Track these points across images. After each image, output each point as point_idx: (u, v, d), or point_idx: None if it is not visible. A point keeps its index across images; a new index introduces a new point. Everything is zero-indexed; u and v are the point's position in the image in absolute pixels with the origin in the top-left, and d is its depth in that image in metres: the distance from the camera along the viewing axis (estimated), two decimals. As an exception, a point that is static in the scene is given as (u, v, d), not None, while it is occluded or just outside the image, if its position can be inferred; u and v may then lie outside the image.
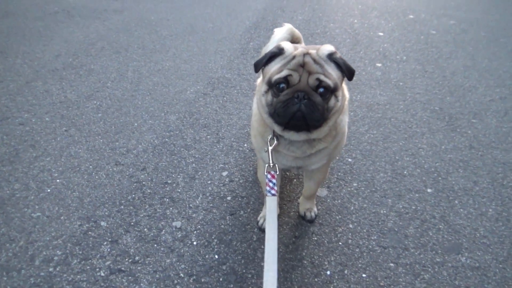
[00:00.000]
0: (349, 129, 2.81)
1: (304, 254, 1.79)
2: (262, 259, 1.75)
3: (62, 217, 1.92)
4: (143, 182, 2.19)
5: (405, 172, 2.39)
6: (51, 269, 1.65)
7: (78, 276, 1.62)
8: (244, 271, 1.69)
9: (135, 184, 2.17)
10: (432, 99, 3.37)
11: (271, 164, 1.46)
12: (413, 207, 2.11)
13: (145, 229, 1.87)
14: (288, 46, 1.38)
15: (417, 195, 2.20)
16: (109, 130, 2.67)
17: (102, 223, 1.90)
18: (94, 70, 3.64)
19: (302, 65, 1.30)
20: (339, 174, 2.34)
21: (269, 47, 1.88)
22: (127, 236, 1.83)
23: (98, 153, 2.42)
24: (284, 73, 1.31)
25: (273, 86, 1.33)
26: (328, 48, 1.36)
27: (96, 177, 2.21)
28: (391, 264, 1.76)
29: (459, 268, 1.75)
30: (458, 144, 2.72)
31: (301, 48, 1.39)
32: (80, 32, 4.70)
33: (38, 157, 2.35)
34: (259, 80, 1.63)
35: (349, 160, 2.48)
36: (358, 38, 4.99)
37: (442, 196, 2.20)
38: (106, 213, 1.96)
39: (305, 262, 1.75)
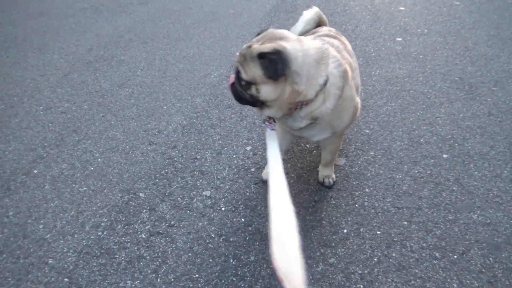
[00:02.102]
0: (367, 102, 2.92)
1: (323, 215, 1.94)
2: (284, 221, 1.92)
3: (105, 190, 2.16)
4: (175, 159, 2.40)
5: (421, 140, 2.48)
6: (99, 233, 1.89)
7: (123, 238, 1.86)
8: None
9: (167, 160, 2.38)
10: (452, 70, 3.40)
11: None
12: (428, 172, 2.21)
13: (179, 198, 2.08)
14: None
15: (432, 160, 2.30)
16: (141, 114, 2.90)
17: (141, 194, 2.12)
18: (124, 60, 3.88)
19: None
20: (357, 144, 2.46)
21: (297, 27, 2.03)
22: (163, 204, 2.05)
23: (133, 135, 2.65)
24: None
25: None
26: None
27: (133, 155, 2.44)
28: (405, 222, 1.89)
29: (470, 225, 1.86)
30: (477, 111, 2.77)
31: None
32: (109, 26, 4.96)
33: (80, 141, 2.60)
34: None
35: (367, 131, 2.60)
36: (378, 14, 4.99)
37: (458, 161, 2.29)
38: (143, 186, 2.18)
39: (323, 222, 1.91)
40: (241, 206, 2.00)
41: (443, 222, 1.88)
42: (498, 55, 3.67)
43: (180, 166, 2.33)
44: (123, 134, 2.67)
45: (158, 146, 2.52)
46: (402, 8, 5.20)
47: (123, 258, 1.76)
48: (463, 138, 2.49)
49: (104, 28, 4.91)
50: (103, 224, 1.95)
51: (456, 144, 2.43)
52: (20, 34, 4.75)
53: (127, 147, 2.53)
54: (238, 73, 1.52)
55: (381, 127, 2.62)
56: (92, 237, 1.87)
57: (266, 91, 1.48)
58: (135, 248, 1.80)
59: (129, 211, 2.02)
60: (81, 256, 1.78)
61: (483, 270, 1.64)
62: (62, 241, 1.86)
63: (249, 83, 1.49)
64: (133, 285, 1.64)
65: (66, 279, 1.68)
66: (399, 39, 4.16)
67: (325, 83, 1.52)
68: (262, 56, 1.41)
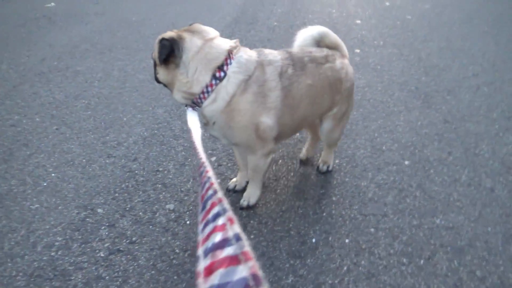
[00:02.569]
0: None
1: (291, 225, 1.91)
2: (251, 232, 1.87)
3: (60, 207, 2.01)
4: (136, 171, 2.29)
5: (383, 148, 2.53)
6: (53, 254, 1.75)
7: (79, 258, 1.73)
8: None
9: (128, 173, 2.27)
10: (408, 80, 3.52)
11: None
12: (392, 178, 2.25)
13: (140, 213, 1.98)
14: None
15: (395, 167, 2.34)
16: (99, 126, 2.76)
17: (99, 210, 2.00)
18: (80, 71, 3.71)
19: None
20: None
21: (296, 41, 2.09)
22: (123, 220, 1.94)
23: (90, 147, 2.51)
24: None
25: None
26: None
27: (90, 169, 2.31)
28: (372, 229, 1.89)
29: (434, 229, 1.90)
30: (433, 119, 2.87)
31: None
32: (63, 36, 4.75)
33: (32, 155, 2.43)
34: None
35: (331, 139, 2.61)
36: (336, 27, 5.12)
37: (419, 167, 2.35)
38: (102, 201, 2.06)
39: (292, 232, 1.87)
40: (207, 219, 1.93)
41: (408, 228, 1.90)
42: (450, 65, 3.86)
43: (141, 179, 2.23)
44: (79, 147, 2.52)
45: (117, 159, 2.40)
46: (359, 22, 5.38)
47: (79, 280, 1.63)
48: (423, 145, 2.56)
49: (58, 38, 4.70)
50: (57, 243, 1.80)
51: (417, 151, 2.50)
52: (-36, 43, 4.45)
53: (84, 160, 2.39)
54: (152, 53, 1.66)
55: (345, 136, 2.65)
56: (45, 258, 1.73)
57: (160, 73, 1.63)
58: (93, 268, 1.68)
59: (86, 228, 1.89)
60: (32, 279, 1.63)
61: (449, 274, 1.67)
62: (10, 264, 1.70)
63: (154, 64, 1.65)
64: (91, 309, 1.52)
65: (15, 307, 1.53)
66: (358, 50, 4.28)
67: (216, 84, 1.55)
68: (160, 40, 1.52)
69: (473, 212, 2.00)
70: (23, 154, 2.44)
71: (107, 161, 2.39)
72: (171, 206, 2.03)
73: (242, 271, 0.49)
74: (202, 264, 0.56)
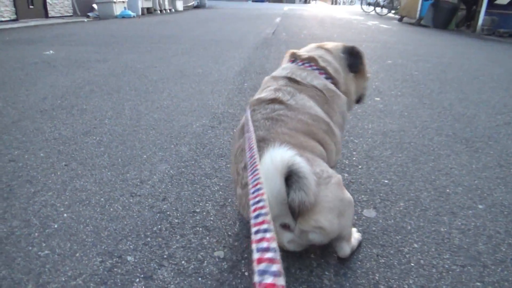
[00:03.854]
0: (372, 153, 2.67)
1: (377, 278, 1.52)
2: (330, 287, 1.46)
3: (77, 254, 1.56)
4: (168, 212, 1.88)
5: (448, 191, 2.22)
6: (73, 316, 1.28)
7: (111, 322, 1.26)
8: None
9: (158, 214, 1.86)
10: (442, 126, 3.33)
11: None
12: (473, 224, 1.91)
13: (183, 262, 1.55)
14: None
15: (470, 211, 2.02)
16: (115, 163, 2.37)
17: (129, 258, 1.56)
18: (87, 109, 3.38)
19: None
20: (381, 194, 2.14)
21: None
22: (163, 270, 1.50)
23: (107, 185, 2.11)
24: None
25: None
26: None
27: (111, 209, 1.89)
28: (478, 284, 1.52)
29: (551, 282, 1.53)
30: (487, 163, 2.62)
31: None
32: (65, 79, 4.47)
33: (37, 192, 2.00)
34: None
35: (385, 181, 2.30)
36: (348, 79, 5.03)
37: (497, 212, 2.03)
38: (131, 247, 1.63)
39: (381, 287, 1.47)
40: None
41: (520, 281, 1.53)
42: (477, 114, 3.73)
43: (176, 221, 1.82)
44: (94, 184, 2.11)
45: (143, 198, 2.00)
46: (369, 75, 5.33)
47: None
48: (489, 188, 2.28)
49: (60, 80, 4.41)
50: (78, 301, 1.34)
51: (485, 195, 2.20)
52: (-45, 81, 4.10)
53: (102, 199, 1.97)
54: None
55: (399, 178, 2.35)
56: (63, 322, 1.26)
57: None
58: (132, 336, 1.22)
59: (114, 281, 1.44)
60: None
61: None
62: (14, 331, 1.22)
63: None
64: None
65: None
66: (378, 98, 4.14)
67: None
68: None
69: None
70: (27, 192, 2.01)
71: (131, 200, 1.98)
72: (220, 254, 1.61)
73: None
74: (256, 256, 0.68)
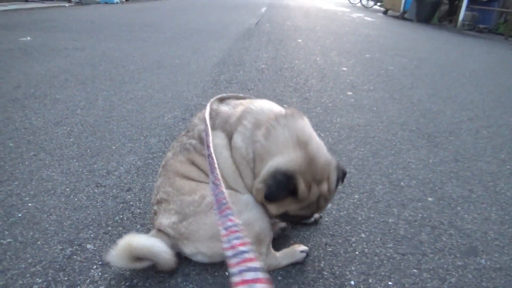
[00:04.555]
0: (336, 147, 2.78)
1: (322, 265, 1.63)
2: (278, 274, 1.57)
3: (39, 242, 1.63)
4: (131, 203, 1.96)
5: (402, 184, 2.35)
6: (30, 300, 1.36)
7: (66, 305, 1.35)
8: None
9: (121, 204, 1.94)
10: (407, 121, 3.46)
11: None
12: (420, 215, 2.04)
13: (140, 250, 1.62)
14: None
15: (419, 203, 2.15)
16: (84, 153, 2.43)
17: (89, 246, 1.63)
18: (60, 99, 3.40)
19: None
20: (338, 187, 2.24)
21: None
22: (120, 258, 1.58)
23: (74, 175, 2.16)
24: None
25: None
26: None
27: (76, 199, 1.95)
28: (415, 270, 1.64)
29: (482, 270, 1.67)
30: (444, 158, 2.76)
31: None
32: (40, 67, 4.45)
33: (3, 182, 2.05)
34: None
35: (345, 174, 2.41)
36: (324, 72, 5.15)
37: (444, 204, 2.17)
38: (92, 235, 1.70)
39: (325, 273, 1.59)
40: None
41: (454, 269, 1.66)
42: (443, 110, 3.87)
43: (138, 211, 1.90)
44: (61, 175, 2.17)
45: (108, 189, 2.06)
46: (345, 69, 5.45)
47: (67, 334, 1.24)
48: (441, 182, 2.41)
49: (34, 68, 4.39)
50: (36, 286, 1.42)
51: (437, 188, 2.33)
52: None
53: (68, 189, 2.03)
54: None
55: (358, 171, 2.46)
56: (20, 305, 1.34)
57: None
58: (85, 318, 1.30)
59: (73, 267, 1.52)
60: (2, 334, 1.23)
61: (516, 321, 1.42)
62: (-28, 314, 1.29)
63: None
64: None
65: None
66: (350, 93, 4.25)
67: None
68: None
69: (516, 252, 1.80)
70: (-7, 181, 2.05)
71: (96, 190, 2.04)
72: (177, 242, 1.69)
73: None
74: (237, 278, 0.72)
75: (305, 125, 1.46)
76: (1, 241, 1.63)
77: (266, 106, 1.53)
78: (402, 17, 15.35)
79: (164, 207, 1.48)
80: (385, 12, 17.46)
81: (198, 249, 1.45)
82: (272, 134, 1.39)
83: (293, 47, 6.85)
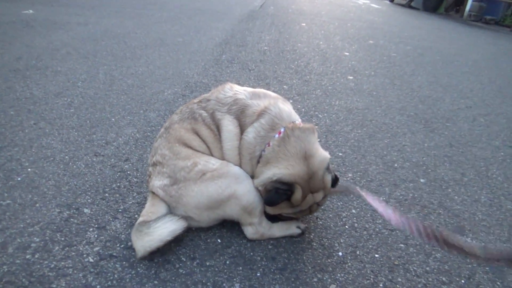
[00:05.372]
0: (333, 128, 2.81)
1: (312, 237, 1.68)
2: (268, 242, 1.62)
3: (37, 205, 1.68)
4: (128, 172, 2.00)
5: (395, 165, 2.38)
6: (28, 256, 1.41)
7: (62, 263, 1.40)
8: (252, 253, 1.54)
9: (119, 173, 1.98)
10: (406, 106, 3.48)
11: None
12: (410, 195, 2.08)
13: (136, 216, 1.68)
14: None
15: (411, 184, 2.19)
16: (84, 124, 2.46)
17: (86, 210, 1.68)
18: (61, 71, 3.41)
19: None
20: (332, 166, 2.29)
21: None
22: (116, 222, 1.63)
23: (73, 144, 2.20)
24: None
25: None
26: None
27: (74, 166, 1.99)
28: (401, 245, 1.69)
29: (467, 247, 1.71)
30: (439, 142, 2.79)
31: None
32: (43, 39, 4.45)
33: (3, 147, 2.09)
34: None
35: (340, 154, 2.45)
36: (326, 56, 5.14)
37: (436, 186, 2.21)
38: (89, 200, 1.75)
39: (314, 244, 1.64)
40: (216, 225, 1.66)
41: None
42: (442, 98, 3.88)
43: (135, 180, 1.94)
44: (60, 143, 2.20)
45: (106, 158, 2.10)
46: (347, 54, 5.44)
47: (63, 288, 1.30)
48: (434, 165, 2.45)
49: (37, 40, 4.38)
50: (33, 245, 1.47)
51: (430, 170, 2.37)
52: None
53: (67, 157, 2.07)
54: None
55: (353, 151, 2.50)
56: (18, 261, 1.39)
57: None
58: (80, 275, 1.35)
59: (70, 229, 1.57)
60: (1, 286, 1.28)
61: (495, 295, 1.47)
62: (-29, 267, 1.34)
63: None
64: (78, 324, 1.19)
65: (-25, 319, 1.17)
66: (351, 77, 4.26)
67: None
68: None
69: (502, 233, 1.85)
70: (-7, 146, 2.09)
71: (94, 159, 2.08)
72: (172, 210, 1.74)
73: None
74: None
75: (315, 140, 1.54)
76: (1, 202, 1.68)
77: (286, 111, 1.59)
78: (408, 5, 15.18)
79: (158, 170, 1.52)
80: (391, 0, 17.25)
81: (187, 213, 1.50)
82: (285, 142, 1.48)
83: (297, 31, 6.81)
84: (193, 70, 3.86)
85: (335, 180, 1.56)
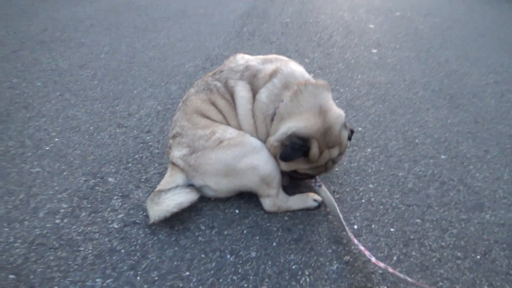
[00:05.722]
0: (354, 102, 2.77)
1: (328, 210, 1.70)
2: (285, 214, 1.65)
3: (64, 173, 1.76)
4: (150, 143, 2.05)
5: (416, 141, 2.36)
6: (57, 221, 1.49)
7: (89, 228, 1.48)
8: (268, 224, 1.59)
9: (141, 144, 2.04)
10: (430, 81, 3.39)
11: None
12: (430, 171, 2.07)
13: (157, 185, 1.73)
14: None
15: (432, 160, 2.17)
16: (107, 95, 2.52)
17: (110, 179, 1.75)
18: (85, 43, 3.46)
19: None
20: (352, 140, 2.28)
21: None
22: (139, 191, 1.70)
23: (97, 116, 2.27)
24: None
25: None
26: None
27: (98, 137, 2.06)
28: (418, 220, 1.70)
29: (485, 224, 1.71)
30: (463, 118, 2.72)
31: None
32: (67, 11, 4.50)
33: (32, 118, 2.17)
34: None
35: (360, 129, 2.43)
36: (350, 29, 5.00)
37: (457, 162, 2.18)
38: (113, 170, 1.82)
39: (330, 217, 1.66)
40: (234, 196, 1.70)
41: (457, 221, 1.71)
42: (469, 72, 3.75)
43: (156, 151, 1.99)
44: (85, 114, 2.27)
45: (129, 129, 2.16)
46: (372, 26, 5.28)
47: (90, 251, 1.38)
48: (457, 141, 2.40)
49: (61, 12, 4.44)
50: (62, 210, 1.55)
51: (451, 147, 2.33)
52: (-42, 8, 4.15)
53: (91, 128, 2.14)
54: None
55: (373, 126, 2.48)
56: (48, 225, 1.47)
57: None
58: (106, 240, 1.43)
59: (95, 197, 1.64)
60: (33, 247, 1.37)
61: (511, 272, 1.48)
62: (7, 229, 1.44)
63: None
64: (104, 284, 1.27)
65: (11, 276, 1.27)
66: (374, 50, 4.15)
67: None
68: None
69: (523, 211, 1.83)
70: (22, 116, 2.18)
71: (118, 130, 2.14)
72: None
73: None
74: None
75: (329, 97, 1.53)
76: (31, 170, 1.76)
77: (298, 70, 1.59)
78: (439, -26, 14.44)
79: (178, 141, 1.56)
80: (422, -31, 16.44)
81: (205, 182, 1.54)
82: (298, 97, 1.47)
83: (320, 2, 6.63)
84: (214, 42, 3.85)
85: (351, 134, 1.57)
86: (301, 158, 1.48)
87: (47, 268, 1.30)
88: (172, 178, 1.57)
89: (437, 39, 4.94)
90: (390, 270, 1.28)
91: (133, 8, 4.92)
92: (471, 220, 1.73)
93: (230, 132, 1.53)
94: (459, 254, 1.54)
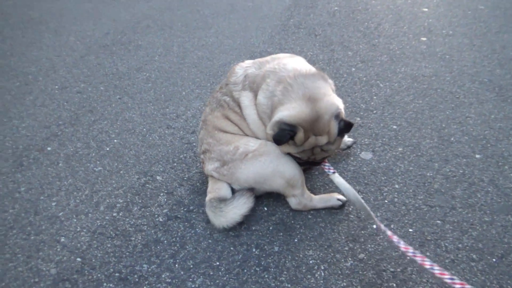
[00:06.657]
0: (393, 98, 2.81)
1: (350, 209, 1.84)
2: (308, 212, 1.82)
3: (121, 171, 2.06)
4: (193, 144, 2.30)
5: (452, 139, 2.37)
6: (114, 214, 1.79)
7: (139, 221, 1.76)
8: (292, 222, 1.77)
9: (186, 145, 2.29)
10: (480, 71, 3.28)
11: None
12: (461, 171, 2.10)
13: (198, 184, 1.98)
14: None
15: (464, 160, 2.18)
16: (159, 98, 2.80)
17: (158, 177, 2.02)
18: (142, 45, 3.80)
19: None
20: (384, 139, 2.35)
21: None
22: (181, 189, 1.95)
23: (150, 117, 2.56)
24: None
25: None
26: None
27: (150, 138, 2.35)
28: (438, 221, 1.77)
29: (508, 228, 1.74)
30: (509, 113, 2.65)
31: None
32: (126, 12, 4.88)
33: (96, 121, 2.52)
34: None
35: (394, 127, 2.49)
36: (401, 14, 4.87)
37: (491, 162, 2.17)
38: (161, 169, 2.09)
39: (351, 216, 1.80)
40: (264, 195, 1.89)
41: (479, 224, 1.76)
42: (528, 59, 3.54)
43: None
44: (140, 116, 2.58)
45: (176, 130, 2.43)
46: (426, 9, 5.08)
47: (139, 241, 1.66)
48: (496, 139, 2.37)
49: (121, 14, 4.83)
50: (118, 205, 1.85)
51: (489, 145, 2.31)
52: (36, 16, 4.69)
53: (144, 129, 2.44)
54: None
55: (408, 124, 2.51)
56: (107, 217, 1.78)
57: None
58: (152, 232, 1.71)
59: (145, 193, 1.92)
60: (95, 236, 1.68)
61: (526, 276, 1.52)
62: (75, 220, 1.77)
63: None
64: (149, 269, 1.54)
65: (78, 259, 1.58)
66: (424, 38, 4.05)
67: None
68: None
69: (554, 214, 1.82)
70: (88, 120, 2.53)
71: (167, 131, 2.42)
72: (228, 180, 2.01)
73: None
74: None
75: (324, 85, 1.62)
76: (94, 168, 2.09)
77: (291, 64, 1.69)
78: None
79: (208, 156, 1.78)
80: None
81: (241, 186, 1.75)
82: (288, 90, 1.59)
83: (373, -15, 6.44)
84: (260, 38, 4.00)
85: (347, 127, 1.59)
86: (291, 142, 1.60)
87: (105, 254, 1.60)
88: (217, 185, 1.79)
89: (497, 21, 4.65)
90: (419, 256, 1.35)
91: (185, 5, 5.20)
92: (494, 222, 1.77)
93: (252, 144, 1.71)
94: (474, 256, 1.61)
